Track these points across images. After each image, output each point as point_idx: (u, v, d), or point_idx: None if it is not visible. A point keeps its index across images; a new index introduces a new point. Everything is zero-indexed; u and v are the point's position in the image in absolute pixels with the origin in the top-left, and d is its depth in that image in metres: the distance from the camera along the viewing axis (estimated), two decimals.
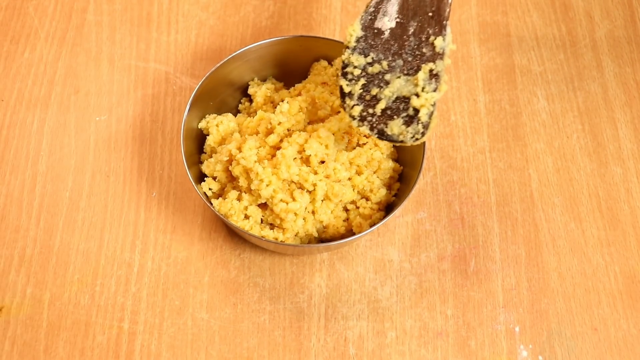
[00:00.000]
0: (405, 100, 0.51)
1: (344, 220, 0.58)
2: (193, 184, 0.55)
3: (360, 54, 0.53)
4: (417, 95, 0.51)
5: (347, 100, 0.53)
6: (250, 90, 0.63)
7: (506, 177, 0.64)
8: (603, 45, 0.71)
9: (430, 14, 0.52)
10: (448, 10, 0.52)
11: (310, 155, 0.55)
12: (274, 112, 0.58)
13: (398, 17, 0.53)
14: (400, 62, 0.52)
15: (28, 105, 0.66)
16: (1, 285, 0.59)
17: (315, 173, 0.56)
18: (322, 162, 0.57)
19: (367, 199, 0.58)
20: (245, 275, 0.60)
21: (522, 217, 0.62)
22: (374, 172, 0.59)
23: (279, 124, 0.56)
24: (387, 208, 0.59)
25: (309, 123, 0.59)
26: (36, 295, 0.58)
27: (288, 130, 0.57)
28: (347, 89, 0.53)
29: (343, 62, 0.53)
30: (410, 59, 0.52)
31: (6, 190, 0.62)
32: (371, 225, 0.56)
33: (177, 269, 0.60)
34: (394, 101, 0.52)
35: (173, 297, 0.58)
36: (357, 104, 0.52)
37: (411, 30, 0.53)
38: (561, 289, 0.60)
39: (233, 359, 0.56)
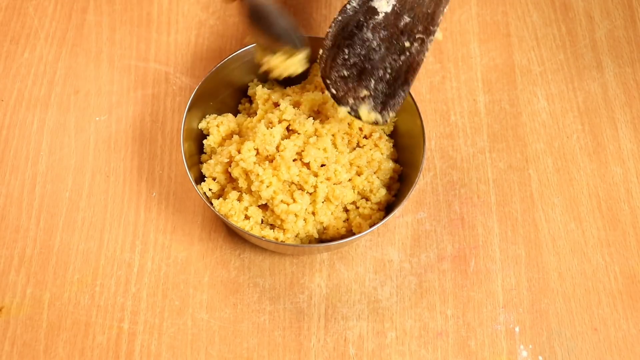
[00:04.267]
0: (379, 84, 0.52)
1: (344, 221, 0.58)
2: (193, 184, 0.55)
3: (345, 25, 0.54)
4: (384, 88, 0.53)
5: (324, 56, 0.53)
6: (250, 92, 0.63)
7: (506, 177, 0.64)
8: (603, 45, 0.71)
9: (425, 14, 0.52)
10: (441, 18, 0.52)
11: (309, 161, 0.55)
12: (273, 113, 0.58)
13: (395, 4, 0.53)
14: (383, 50, 0.53)
15: (28, 105, 0.66)
16: (1, 285, 0.59)
17: (316, 175, 0.56)
18: (323, 165, 0.57)
19: (367, 199, 0.58)
20: (245, 275, 0.59)
21: (522, 217, 0.62)
22: (374, 173, 0.59)
23: (280, 121, 0.56)
24: (387, 208, 0.59)
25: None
26: (36, 295, 0.58)
27: (288, 129, 0.57)
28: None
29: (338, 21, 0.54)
30: (392, 51, 0.52)
31: (6, 190, 0.62)
32: (371, 226, 0.56)
33: (177, 269, 0.60)
34: (371, 84, 0.53)
35: (173, 297, 0.58)
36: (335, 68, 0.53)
37: (403, 22, 0.52)
38: (561, 289, 0.60)
39: (233, 359, 0.56)
